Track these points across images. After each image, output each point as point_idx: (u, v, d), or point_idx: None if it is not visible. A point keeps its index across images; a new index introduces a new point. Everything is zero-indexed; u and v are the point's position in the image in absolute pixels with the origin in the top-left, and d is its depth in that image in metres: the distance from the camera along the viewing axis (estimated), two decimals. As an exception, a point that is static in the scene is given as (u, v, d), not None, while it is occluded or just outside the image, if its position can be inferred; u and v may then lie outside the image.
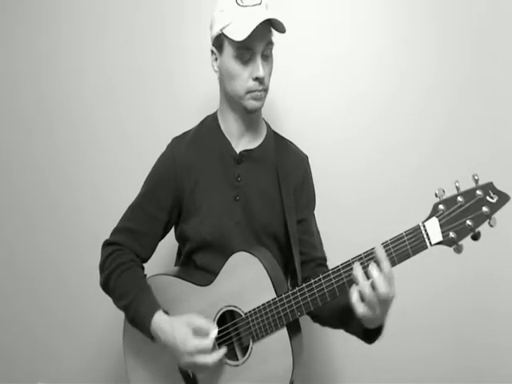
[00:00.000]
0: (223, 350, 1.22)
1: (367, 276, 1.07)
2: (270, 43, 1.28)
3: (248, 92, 1.28)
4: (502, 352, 1.83)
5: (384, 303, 1.07)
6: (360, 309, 1.08)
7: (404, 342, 1.84)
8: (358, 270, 1.08)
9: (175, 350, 1.20)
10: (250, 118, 1.37)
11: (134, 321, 1.28)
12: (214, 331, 1.20)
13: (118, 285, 1.30)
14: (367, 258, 1.11)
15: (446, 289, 1.83)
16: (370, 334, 1.21)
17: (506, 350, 1.82)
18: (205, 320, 1.22)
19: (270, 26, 1.26)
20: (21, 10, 1.96)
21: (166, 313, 1.27)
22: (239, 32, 1.22)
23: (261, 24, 1.21)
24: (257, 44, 1.24)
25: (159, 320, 1.23)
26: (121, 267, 1.31)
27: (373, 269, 1.06)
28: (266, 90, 1.31)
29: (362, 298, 1.08)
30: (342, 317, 1.27)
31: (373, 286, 1.06)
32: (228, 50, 1.28)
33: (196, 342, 1.18)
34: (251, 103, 1.30)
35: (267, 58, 1.29)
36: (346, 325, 1.28)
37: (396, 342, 1.83)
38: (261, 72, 1.25)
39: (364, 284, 1.06)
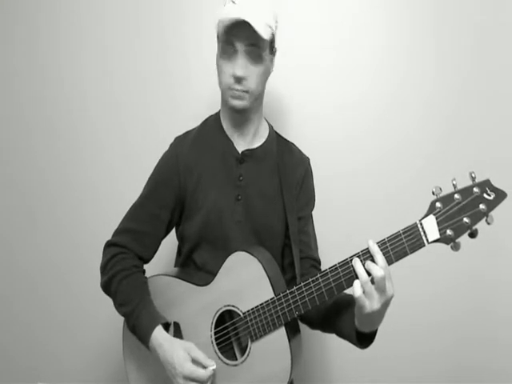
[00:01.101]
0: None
1: (366, 271, 1.08)
2: (255, 45, 1.25)
3: (228, 89, 1.28)
4: (501, 352, 1.82)
5: (383, 296, 1.08)
6: (362, 302, 1.09)
7: (403, 341, 1.84)
8: (357, 265, 1.10)
9: (171, 369, 1.21)
10: (239, 117, 1.36)
11: (134, 330, 1.28)
12: (213, 366, 1.20)
13: (120, 291, 1.30)
14: (365, 257, 1.11)
15: (445, 288, 1.83)
16: (363, 338, 1.21)
17: (506, 349, 1.82)
18: (204, 354, 1.22)
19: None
20: (21, 10, 1.96)
21: (167, 324, 1.27)
22: (220, 25, 1.26)
23: (244, 23, 1.20)
24: (237, 41, 1.24)
25: (159, 336, 1.23)
26: (122, 273, 1.31)
27: (370, 263, 1.08)
28: (247, 92, 1.28)
29: (364, 292, 1.08)
30: (335, 319, 1.27)
31: (372, 280, 1.07)
32: (219, 45, 1.30)
33: (194, 367, 1.19)
34: (231, 101, 1.29)
35: (255, 59, 1.27)
36: (338, 327, 1.27)
37: (395, 342, 1.84)
38: (238, 71, 1.24)
39: (364, 277, 1.08)
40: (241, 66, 1.25)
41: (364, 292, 1.08)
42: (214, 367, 1.20)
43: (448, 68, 1.81)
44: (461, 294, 1.82)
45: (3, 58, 1.99)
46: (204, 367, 1.20)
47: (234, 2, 1.25)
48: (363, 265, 1.09)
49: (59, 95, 1.96)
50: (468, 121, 1.81)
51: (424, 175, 1.82)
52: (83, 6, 1.93)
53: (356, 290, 1.08)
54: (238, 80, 1.26)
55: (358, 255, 1.12)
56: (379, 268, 1.06)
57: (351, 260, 1.12)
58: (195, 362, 1.21)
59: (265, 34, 1.24)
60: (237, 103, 1.29)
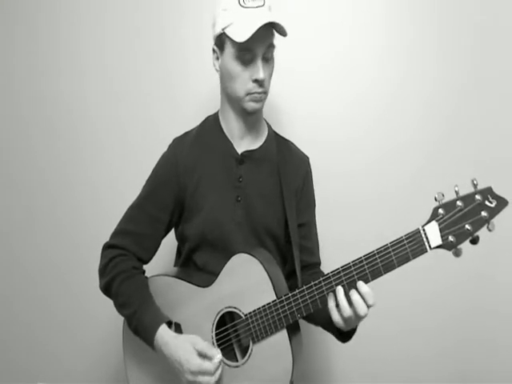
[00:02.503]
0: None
1: (348, 297, 1.15)
2: (272, 46, 1.28)
3: (247, 94, 1.28)
4: (501, 352, 1.84)
5: (360, 319, 1.17)
6: (340, 325, 1.18)
7: (404, 342, 1.85)
8: (340, 296, 1.15)
9: (178, 366, 1.20)
10: (251, 118, 1.37)
11: (136, 331, 1.28)
12: (219, 356, 1.20)
13: (121, 293, 1.30)
14: (368, 261, 1.13)
15: (445, 289, 1.84)
16: (344, 334, 1.28)
17: (506, 349, 1.83)
18: (209, 345, 1.22)
19: (272, 28, 1.26)
20: (21, 10, 1.96)
21: (169, 323, 1.27)
22: (241, 33, 1.22)
23: (263, 26, 1.20)
24: (258, 46, 1.24)
25: (164, 334, 1.23)
26: (122, 275, 1.31)
27: (353, 294, 1.14)
28: (265, 93, 1.31)
29: (341, 315, 1.16)
30: (320, 318, 1.32)
31: (350, 303, 1.14)
32: (229, 50, 1.28)
33: (200, 361, 1.18)
34: (250, 105, 1.30)
35: (268, 60, 1.29)
36: (323, 325, 1.34)
37: (396, 343, 1.85)
38: (261, 74, 1.25)
39: (348, 312, 1.14)
40: (262, 68, 1.26)
41: (343, 317, 1.16)
42: (220, 357, 1.20)
43: (448, 68, 1.82)
44: (461, 294, 1.83)
45: (3, 58, 1.98)
46: (210, 358, 1.20)
47: (242, 6, 1.24)
48: (346, 290, 1.15)
49: (59, 95, 1.96)
50: (468, 121, 1.82)
51: (424, 175, 1.83)
52: (83, 5, 1.93)
53: (336, 321, 1.17)
54: (261, 83, 1.27)
55: (360, 260, 1.13)
56: (363, 305, 1.13)
57: (353, 265, 1.14)
58: (201, 355, 1.20)
59: (287, 30, 1.26)
60: (256, 106, 1.31)
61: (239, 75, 1.27)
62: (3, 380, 1.99)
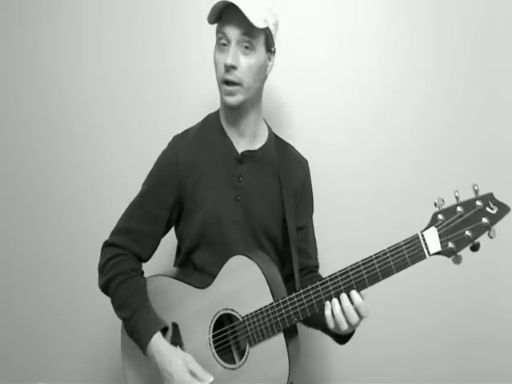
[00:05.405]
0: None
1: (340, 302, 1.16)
2: (248, 35, 1.24)
3: (222, 83, 1.27)
4: (503, 353, 1.83)
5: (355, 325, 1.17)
6: (331, 326, 1.18)
7: (404, 344, 1.85)
8: (336, 307, 1.16)
9: (168, 377, 1.21)
10: (234, 114, 1.34)
11: (132, 335, 1.28)
12: (211, 380, 1.20)
13: (117, 295, 1.30)
14: (365, 266, 1.12)
15: (444, 291, 1.83)
16: (342, 336, 1.28)
17: (508, 351, 1.82)
18: (202, 368, 1.22)
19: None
20: (20, 9, 1.95)
21: (165, 329, 1.28)
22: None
23: (237, 11, 1.19)
24: (229, 30, 1.24)
25: (158, 342, 1.23)
26: (120, 277, 1.31)
27: (345, 300, 1.14)
28: (240, 85, 1.26)
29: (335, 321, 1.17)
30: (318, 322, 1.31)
31: (344, 311, 1.15)
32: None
33: (191, 378, 1.20)
34: (224, 98, 1.29)
35: (248, 50, 1.25)
36: (322, 329, 1.34)
37: (396, 345, 1.84)
38: (229, 59, 1.23)
39: (341, 319, 1.15)
40: (232, 54, 1.23)
41: (336, 323, 1.17)
42: (212, 381, 1.21)
43: (449, 71, 1.80)
44: (462, 296, 1.82)
45: (3, 58, 1.98)
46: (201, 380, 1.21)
47: None
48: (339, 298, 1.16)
49: (58, 92, 1.95)
50: (469, 123, 1.80)
51: (424, 179, 1.82)
52: (83, 5, 1.92)
53: (332, 329, 1.18)
54: (228, 69, 1.24)
55: (357, 265, 1.13)
56: (355, 315, 1.14)
57: (351, 269, 1.13)
58: (192, 374, 1.21)
59: (255, 22, 1.22)
60: (229, 99, 1.28)
61: (217, 60, 1.28)
62: (3, 380, 2.01)
